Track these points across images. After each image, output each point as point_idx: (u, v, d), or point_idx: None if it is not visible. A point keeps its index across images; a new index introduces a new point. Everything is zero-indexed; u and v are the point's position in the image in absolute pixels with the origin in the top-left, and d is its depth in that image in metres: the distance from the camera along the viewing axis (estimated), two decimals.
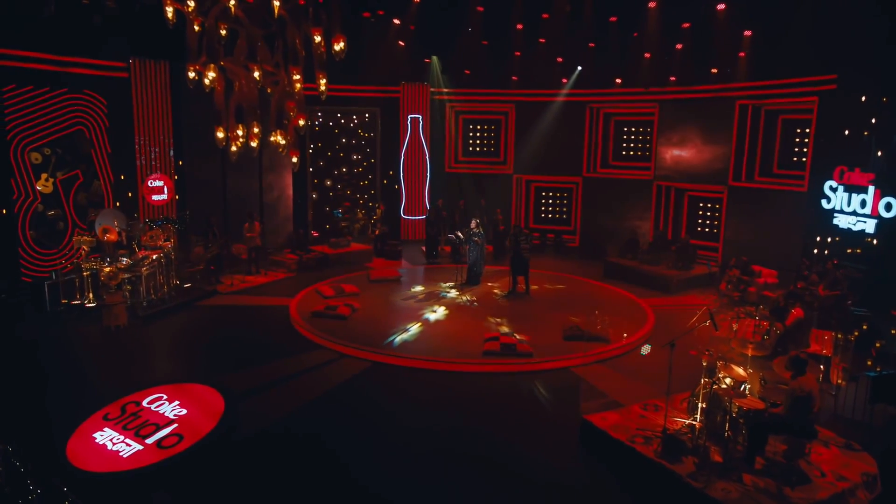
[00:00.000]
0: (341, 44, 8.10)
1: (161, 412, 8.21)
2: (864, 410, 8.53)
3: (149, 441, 7.55)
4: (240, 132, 8.33)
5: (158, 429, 7.81)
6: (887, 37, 12.82)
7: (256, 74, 8.20)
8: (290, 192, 19.55)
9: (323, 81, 8.56)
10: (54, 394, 9.18)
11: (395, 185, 21.08)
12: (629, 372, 10.38)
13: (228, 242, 16.45)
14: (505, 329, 12.03)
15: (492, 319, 12.71)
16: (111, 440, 7.57)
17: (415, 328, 12.19)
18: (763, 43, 15.96)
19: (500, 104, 21.01)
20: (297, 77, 8.08)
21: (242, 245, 16.46)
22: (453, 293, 14.69)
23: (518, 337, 11.35)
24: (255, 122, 8.42)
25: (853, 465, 7.09)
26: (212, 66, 7.45)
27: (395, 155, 20.92)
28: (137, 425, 7.89)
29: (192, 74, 7.71)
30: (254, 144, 8.71)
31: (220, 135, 8.39)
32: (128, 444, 7.48)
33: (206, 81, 7.73)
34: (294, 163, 9.43)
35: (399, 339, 11.56)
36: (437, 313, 13.17)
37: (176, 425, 7.88)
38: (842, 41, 13.72)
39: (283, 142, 8.60)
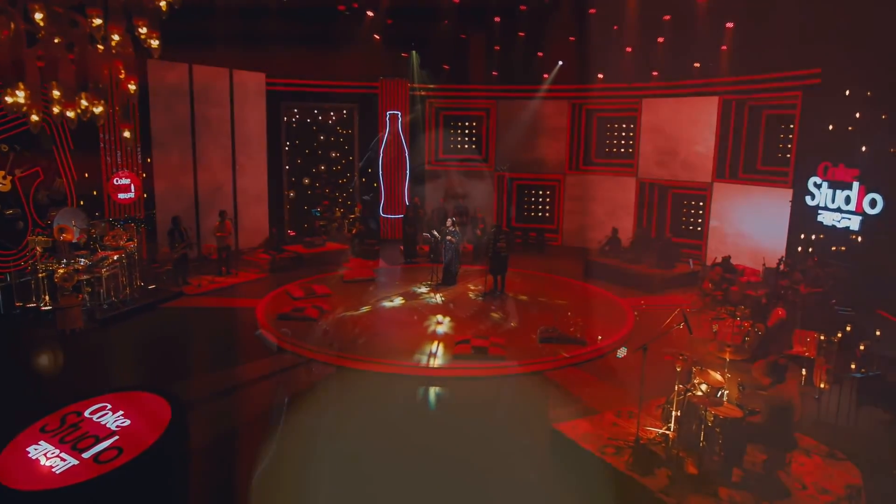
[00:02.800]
0: None
1: (103, 423, 7.64)
2: (849, 415, 8.15)
3: (85, 455, 6.99)
4: (20, 93, 6.58)
5: (97, 441, 7.23)
6: (871, 30, 12.47)
7: (38, 16, 6.40)
8: (266, 190, 19.02)
9: (143, 31, 6.81)
10: None
11: (373, 182, 20.57)
12: (605, 376, 9.96)
13: (197, 242, 15.90)
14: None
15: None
16: (45, 454, 7.01)
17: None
18: (746, 36, 15.60)
19: (481, 100, 20.56)
20: (97, 22, 6.36)
21: (213, 245, 15.92)
22: (424, 291, 14.34)
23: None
24: (55, 84, 6.79)
25: (836, 476, 6.70)
26: None
27: (373, 152, 20.41)
28: (76, 438, 7.32)
29: None
30: (70, 115, 7.03)
31: (10, 99, 6.70)
32: (62, 459, 6.90)
33: None
34: (127, 137, 7.70)
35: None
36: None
37: (116, 437, 7.33)
38: (825, 34, 13.37)
39: (97, 110, 7.09)
